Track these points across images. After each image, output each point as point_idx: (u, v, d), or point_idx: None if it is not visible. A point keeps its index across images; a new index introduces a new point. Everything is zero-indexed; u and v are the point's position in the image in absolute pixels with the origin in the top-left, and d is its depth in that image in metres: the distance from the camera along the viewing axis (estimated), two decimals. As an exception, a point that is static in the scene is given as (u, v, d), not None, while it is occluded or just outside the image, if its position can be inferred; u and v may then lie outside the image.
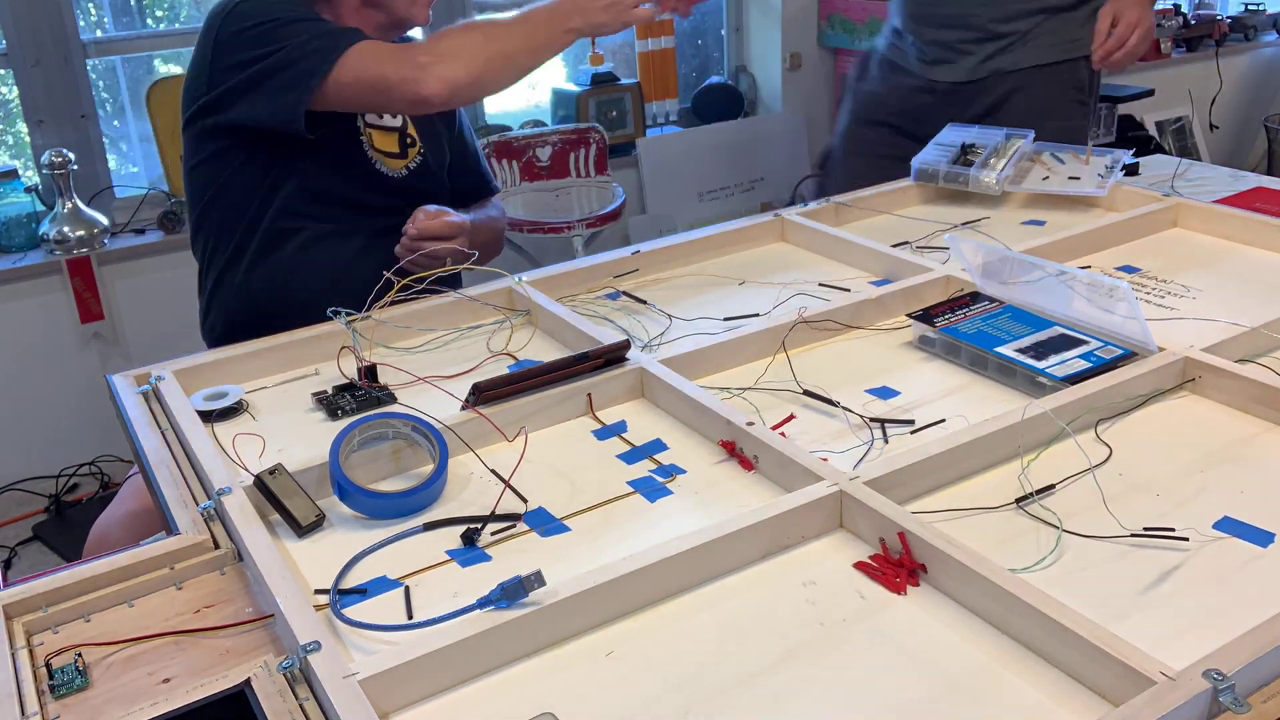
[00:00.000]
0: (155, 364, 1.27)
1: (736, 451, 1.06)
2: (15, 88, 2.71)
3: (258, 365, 1.27)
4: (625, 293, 1.44)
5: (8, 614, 0.86)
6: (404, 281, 1.29)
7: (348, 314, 1.29)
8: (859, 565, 0.90)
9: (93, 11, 2.88)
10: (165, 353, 1.34)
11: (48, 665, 0.82)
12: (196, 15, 3.03)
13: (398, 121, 1.60)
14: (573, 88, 3.41)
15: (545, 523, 0.98)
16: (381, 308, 1.30)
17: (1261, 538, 0.90)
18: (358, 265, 1.51)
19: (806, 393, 1.15)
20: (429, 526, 0.97)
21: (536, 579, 0.81)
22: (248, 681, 0.78)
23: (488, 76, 1.43)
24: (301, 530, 0.97)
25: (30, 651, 0.83)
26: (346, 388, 1.21)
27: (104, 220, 2.74)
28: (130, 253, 2.72)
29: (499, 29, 1.44)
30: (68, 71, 2.70)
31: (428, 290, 1.35)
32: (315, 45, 1.42)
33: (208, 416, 1.17)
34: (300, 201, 1.53)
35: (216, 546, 0.94)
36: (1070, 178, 1.69)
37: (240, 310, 1.56)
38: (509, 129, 3.27)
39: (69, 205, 2.67)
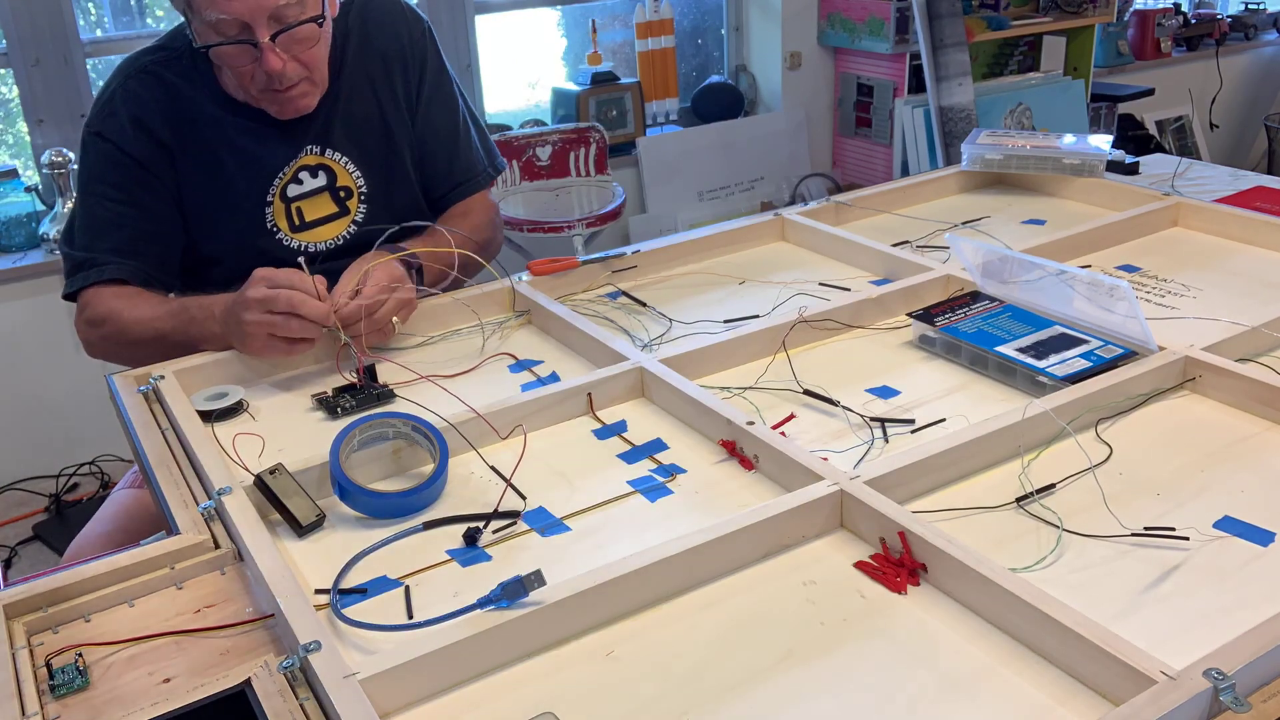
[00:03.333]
0: (155, 364, 1.27)
1: (737, 451, 1.06)
2: (15, 88, 2.71)
3: (258, 365, 1.27)
4: (625, 293, 1.44)
5: (8, 614, 0.86)
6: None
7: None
8: (859, 565, 0.89)
9: (93, 11, 2.88)
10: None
11: (48, 665, 0.82)
12: (196, 15, 3.02)
13: (320, 180, 1.45)
14: (573, 87, 3.41)
15: (545, 522, 0.98)
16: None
17: (1262, 537, 0.90)
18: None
19: (807, 392, 1.15)
20: (429, 526, 0.97)
21: (537, 578, 0.81)
22: (248, 681, 0.78)
23: (116, 359, 1.39)
24: (301, 530, 0.97)
25: (30, 651, 0.83)
26: (346, 388, 1.21)
27: (104, 220, 2.73)
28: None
29: (159, 320, 1.32)
30: (68, 71, 2.70)
31: (427, 290, 1.35)
32: (71, 257, 1.40)
33: (208, 416, 1.17)
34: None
35: (217, 546, 0.94)
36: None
37: None
38: (509, 128, 3.27)
39: (69, 205, 2.67)
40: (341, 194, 1.47)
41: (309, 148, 1.44)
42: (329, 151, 1.45)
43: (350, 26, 1.46)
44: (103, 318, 1.36)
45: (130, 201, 1.39)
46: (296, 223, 1.46)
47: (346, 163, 1.47)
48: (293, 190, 1.45)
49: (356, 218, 1.48)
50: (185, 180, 1.41)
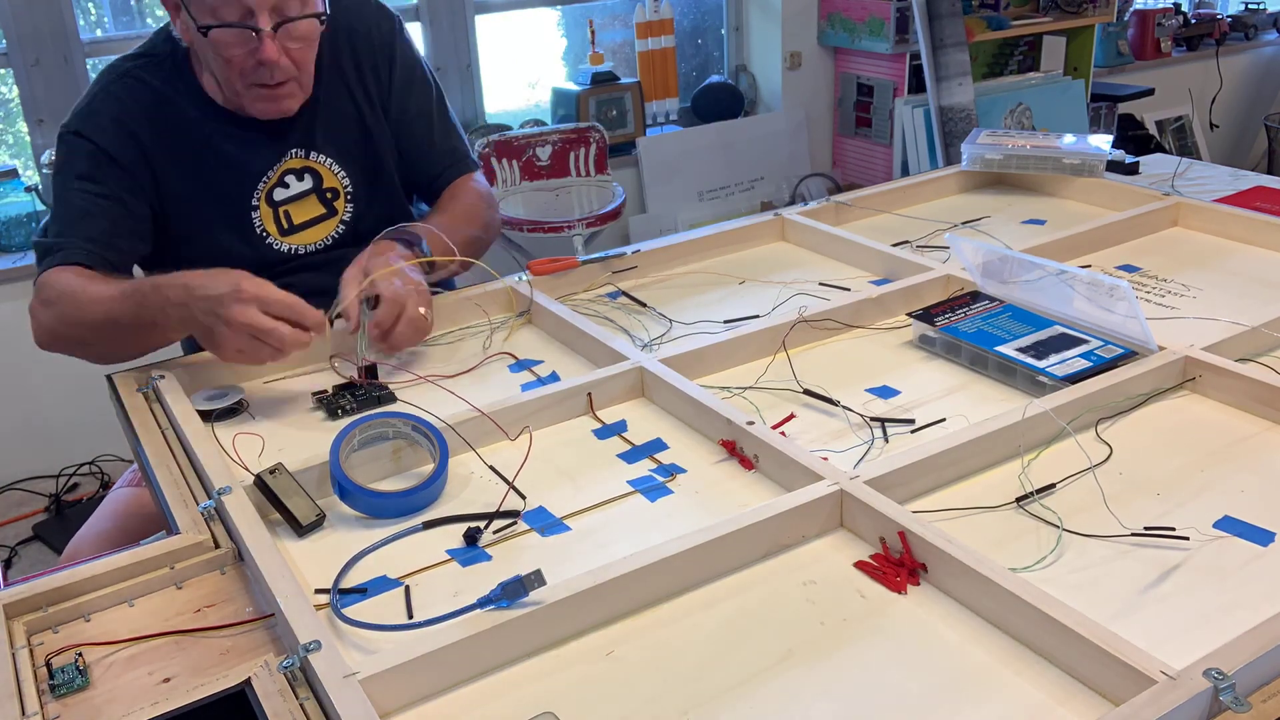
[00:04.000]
0: (155, 364, 1.27)
1: (737, 451, 1.06)
2: (15, 87, 2.71)
3: (258, 365, 1.27)
4: (625, 293, 1.44)
5: (8, 614, 0.86)
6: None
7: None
8: (859, 565, 0.89)
9: (92, 11, 2.88)
10: (165, 352, 1.34)
11: (48, 665, 0.82)
12: (196, 15, 3.02)
13: (306, 184, 1.45)
14: (573, 87, 3.41)
15: (545, 522, 0.98)
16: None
17: (1262, 537, 0.90)
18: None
19: (807, 392, 1.15)
20: (429, 525, 0.97)
21: (536, 578, 0.81)
22: (248, 681, 0.78)
23: (67, 346, 1.31)
24: (301, 530, 0.97)
25: (30, 651, 0.83)
26: (346, 387, 1.21)
27: (104, 220, 2.73)
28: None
29: (111, 301, 1.24)
30: (68, 71, 2.70)
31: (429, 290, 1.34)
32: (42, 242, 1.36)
33: (208, 416, 1.17)
34: None
35: (217, 546, 0.94)
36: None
37: None
38: (509, 128, 3.27)
39: (68, 205, 2.66)
40: (329, 195, 1.47)
41: (293, 151, 1.44)
42: (313, 154, 1.45)
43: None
44: (56, 297, 1.29)
45: (106, 195, 1.36)
46: (285, 226, 1.45)
47: (331, 164, 1.46)
48: (279, 194, 1.44)
49: (345, 217, 1.49)
50: (168, 186, 1.39)
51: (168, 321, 1.19)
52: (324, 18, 1.33)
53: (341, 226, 1.49)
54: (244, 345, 1.14)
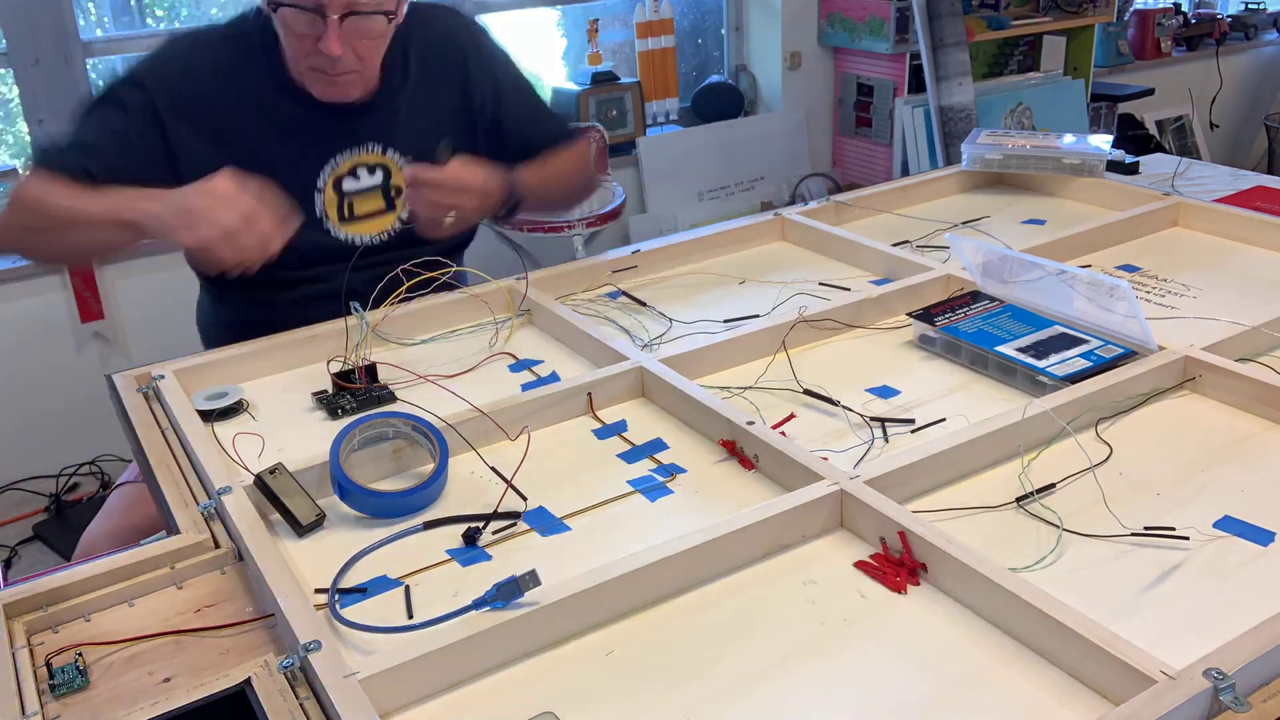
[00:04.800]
0: (155, 364, 1.27)
1: (737, 451, 1.06)
2: (15, 87, 2.71)
3: (258, 365, 1.27)
4: (625, 293, 1.44)
5: (8, 614, 0.86)
6: (414, 281, 1.29)
7: (358, 308, 1.28)
8: (859, 564, 0.90)
9: (92, 11, 2.88)
10: (165, 353, 1.34)
11: (48, 665, 0.82)
12: (197, 15, 3.03)
13: (376, 178, 1.49)
14: (573, 86, 3.41)
15: (545, 522, 0.98)
16: (394, 302, 1.30)
17: (1262, 537, 0.90)
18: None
19: (807, 392, 1.15)
20: (429, 525, 0.97)
21: (531, 578, 0.81)
22: (248, 681, 0.78)
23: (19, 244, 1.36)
24: (301, 530, 0.97)
25: (30, 651, 0.83)
26: (347, 388, 1.21)
27: (104, 220, 2.73)
28: (130, 252, 2.72)
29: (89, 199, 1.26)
30: (68, 71, 2.70)
31: (425, 287, 1.34)
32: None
33: (208, 416, 1.17)
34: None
35: (217, 546, 0.94)
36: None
37: (228, 324, 1.54)
38: (509, 128, 3.27)
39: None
40: (393, 193, 1.50)
41: (369, 144, 1.46)
42: (389, 151, 1.48)
43: (412, 33, 1.47)
44: (25, 193, 1.29)
45: (128, 146, 1.35)
46: (345, 214, 1.48)
47: (404, 165, 1.49)
48: (349, 184, 1.47)
49: (402, 215, 1.51)
50: (229, 141, 1.39)
51: (141, 212, 1.19)
52: (392, 16, 1.34)
53: (398, 223, 1.51)
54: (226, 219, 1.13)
